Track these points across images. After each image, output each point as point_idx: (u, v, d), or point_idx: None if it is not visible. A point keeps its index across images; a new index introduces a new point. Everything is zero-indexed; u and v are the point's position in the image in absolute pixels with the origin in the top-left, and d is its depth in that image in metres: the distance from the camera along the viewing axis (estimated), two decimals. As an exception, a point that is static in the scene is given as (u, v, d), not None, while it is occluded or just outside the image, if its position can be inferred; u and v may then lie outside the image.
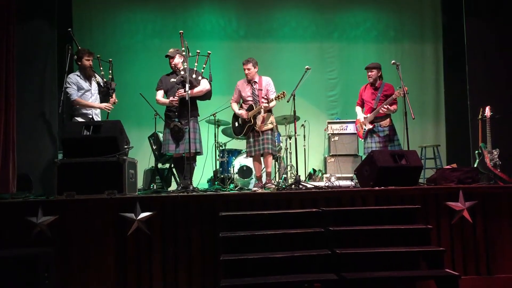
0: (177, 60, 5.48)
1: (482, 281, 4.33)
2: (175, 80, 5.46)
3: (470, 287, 4.23)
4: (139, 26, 8.13)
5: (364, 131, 6.04)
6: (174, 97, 5.38)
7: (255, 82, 5.67)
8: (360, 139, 6.34)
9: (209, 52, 5.54)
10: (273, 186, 5.44)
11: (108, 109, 5.51)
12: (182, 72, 5.32)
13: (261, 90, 5.66)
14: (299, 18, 8.45)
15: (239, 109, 5.78)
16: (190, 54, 5.23)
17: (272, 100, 5.47)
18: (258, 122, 5.55)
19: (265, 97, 5.65)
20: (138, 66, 7.85)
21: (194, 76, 5.36)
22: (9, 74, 5.69)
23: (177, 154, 5.48)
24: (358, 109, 6.24)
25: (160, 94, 5.54)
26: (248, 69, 5.64)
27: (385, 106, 5.75)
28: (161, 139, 6.02)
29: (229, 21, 8.37)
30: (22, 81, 6.05)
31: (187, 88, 5.08)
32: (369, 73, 6.01)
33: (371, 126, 5.97)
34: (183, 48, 5.28)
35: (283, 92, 5.35)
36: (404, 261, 4.16)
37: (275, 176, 6.74)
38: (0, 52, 5.55)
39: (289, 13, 8.43)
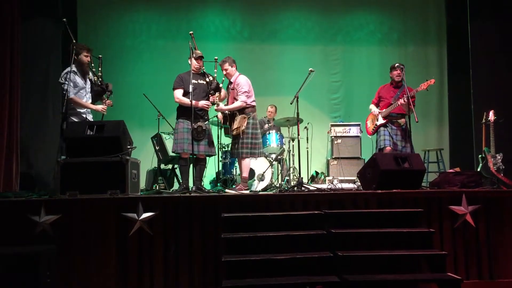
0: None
1: (484, 285, 4.31)
2: (197, 81, 5.34)
3: (472, 291, 4.22)
4: (143, 26, 8.16)
5: (374, 126, 5.98)
6: (205, 101, 5.31)
7: (231, 82, 5.47)
8: (368, 135, 6.26)
9: (216, 57, 5.48)
10: (244, 192, 5.12)
11: (104, 112, 5.34)
12: (211, 77, 5.31)
13: (234, 89, 5.40)
14: (303, 20, 8.47)
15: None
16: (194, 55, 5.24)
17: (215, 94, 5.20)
18: (234, 124, 5.37)
19: (236, 97, 5.38)
20: (142, 66, 7.87)
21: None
22: (14, 73, 5.72)
23: (186, 154, 5.32)
24: (372, 106, 6.12)
25: (180, 93, 5.33)
26: (225, 69, 5.44)
27: (405, 100, 5.58)
28: (166, 137, 5.98)
29: (233, 23, 8.39)
30: (27, 80, 6.08)
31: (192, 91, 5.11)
32: (398, 71, 5.84)
33: (383, 121, 5.88)
34: (193, 51, 5.25)
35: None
36: (406, 264, 4.16)
37: (277, 178, 6.75)
38: (4, 52, 5.59)
39: (293, 15, 8.46)
